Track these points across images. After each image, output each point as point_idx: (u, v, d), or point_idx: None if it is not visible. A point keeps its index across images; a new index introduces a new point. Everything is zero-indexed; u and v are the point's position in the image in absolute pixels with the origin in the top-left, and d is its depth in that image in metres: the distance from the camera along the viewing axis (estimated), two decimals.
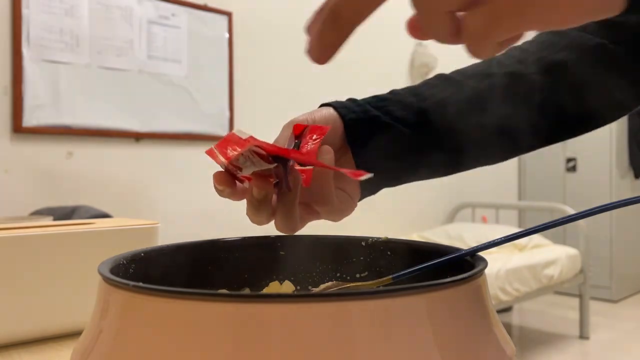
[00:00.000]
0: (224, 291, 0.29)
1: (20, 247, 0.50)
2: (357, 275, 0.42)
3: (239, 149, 0.34)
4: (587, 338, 2.97)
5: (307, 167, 0.40)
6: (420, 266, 0.35)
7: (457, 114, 0.48)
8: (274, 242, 0.42)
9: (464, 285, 0.27)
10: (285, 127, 0.44)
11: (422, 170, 0.50)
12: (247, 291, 0.41)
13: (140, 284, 0.25)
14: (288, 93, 2.69)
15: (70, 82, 1.99)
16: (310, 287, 0.42)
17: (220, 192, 0.40)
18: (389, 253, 0.41)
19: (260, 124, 2.51)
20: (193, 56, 2.34)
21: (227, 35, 2.45)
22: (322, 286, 0.39)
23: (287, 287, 0.41)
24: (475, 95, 0.48)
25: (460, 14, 0.25)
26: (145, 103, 2.19)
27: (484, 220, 3.58)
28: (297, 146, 0.40)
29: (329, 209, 0.42)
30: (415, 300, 0.24)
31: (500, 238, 0.34)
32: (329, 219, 0.44)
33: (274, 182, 0.37)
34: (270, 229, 0.43)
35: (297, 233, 0.44)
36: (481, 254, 0.33)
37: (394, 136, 0.47)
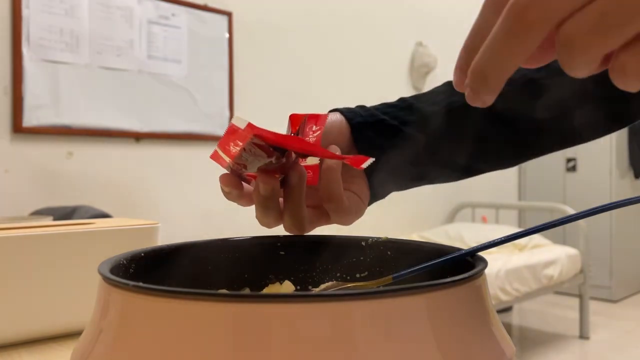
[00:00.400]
0: (224, 291, 0.29)
1: (20, 247, 0.50)
2: (357, 275, 0.42)
3: (241, 143, 0.34)
4: (587, 338, 2.97)
5: (313, 163, 0.40)
6: (420, 266, 0.35)
7: (466, 118, 0.47)
8: (274, 242, 0.42)
9: (464, 285, 0.26)
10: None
11: (431, 174, 0.50)
12: (247, 291, 0.41)
13: (140, 284, 0.25)
14: (288, 93, 2.69)
15: (70, 82, 1.99)
16: (310, 287, 0.42)
17: (228, 195, 0.40)
18: (389, 253, 0.41)
19: (260, 124, 2.50)
20: (193, 56, 2.34)
21: (227, 35, 2.45)
22: (322, 286, 0.39)
23: (287, 287, 0.41)
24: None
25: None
26: (145, 103, 2.19)
27: (484, 220, 3.58)
28: None
29: (338, 208, 0.41)
30: (415, 300, 0.24)
31: (500, 238, 0.34)
32: (339, 222, 0.44)
33: (279, 178, 0.37)
34: (273, 230, 0.43)
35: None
36: (481, 254, 0.33)
37: (402, 138, 0.47)
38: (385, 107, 0.49)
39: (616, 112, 0.48)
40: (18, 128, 1.87)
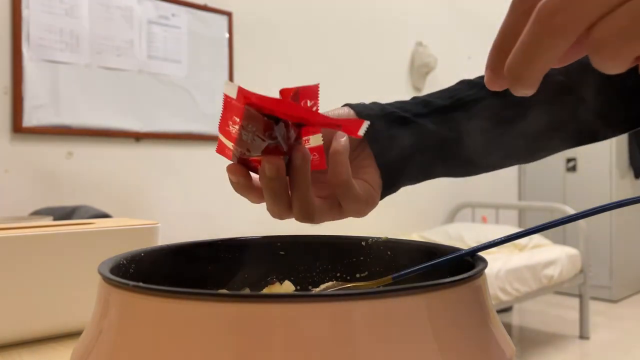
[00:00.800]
0: (224, 291, 0.29)
1: (20, 247, 0.50)
2: (357, 275, 0.42)
3: (238, 119, 0.33)
4: (587, 338, 2.97)
5: (317, 144, 0.39)
6: (420, 266, 0.35)
7: (479, 111, 0.47)
8: (274, 242, 0.42)
9: (464, 285, 0.27)
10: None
11: (442, 167, 0.49)
12: (247, 291, 0.41)
13: (140, 284, 0.25)
14: None
15: (70, 82, 1.99)
16: (310, 287, 0.42)
17: (236, 186, 0.39)
18: (389, 253, 0.41)
19: None
20: (193, 56, 2.34)
21: (227, 35, 2.45)
22: (322, 286, 0.39)
23: (287, 287, 0.41)
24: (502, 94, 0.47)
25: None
26: (145, 103, 2.19)
27: (484, 220, 3.58)
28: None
29: (348, 193, 0.41)
30: (415, 300, 0.24)
31: (500, 238, 0.34)
32: (352, 212, 0.43)
33: (284, 159, 0.37)
34: (272, 229, 0.43)
35: (298, 233, 0.44)
36: (481, 254, 0.33)
37: (412, 129, 0.47)
38: (396, 103, 0.49)
39: None
40: (18, 128, 1.87)
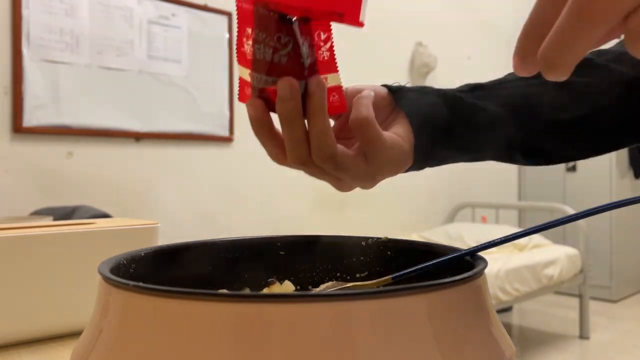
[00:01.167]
0: (224, 291, 0.29)
1: (20, 247, 0.50)
2: (357, 275, 0.42)
3: (251, 31, 0.34)
4: (587, 338, 2.97)
5: (336, 84, 0.39)
6: (420, 266, 0.35)
7: (515, 90, 0.48)
8: (274, 242, 0.42)
9: (464, 285, 0.27)
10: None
11: (465, 128, 0.48)
12: (247, 291, 0.41)
13: (140, 284, 0.25)
14: None
15: (70, 82, 1.99)
16: (310, 287, 0.42)
17: (255, 123, 0.39)
18: (389, 253, 0.41)
19: None
20: (193, 56, 2.34)
21: (227, 35, 2.45)
22: (322, 286, 0.39)
23: (287, 287, 0.41)
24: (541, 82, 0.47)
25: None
26: (145, 103, 2.19)
27: (484, 220, 3.58)
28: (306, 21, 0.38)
29: (371, 137, 0.40)
30: (415, 300, 0.24)
31: (500, 238, 0.34)
32: (379, 169, 0.43)
33: (300, 84, 0.36)
34: (272, 229, 0.43)
35: (298, 233, 0.44)
36: (481, 254, 0.33)
37: (446, 99, 0.48)
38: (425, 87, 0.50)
39: None
40: (18, 128, 1.87)
